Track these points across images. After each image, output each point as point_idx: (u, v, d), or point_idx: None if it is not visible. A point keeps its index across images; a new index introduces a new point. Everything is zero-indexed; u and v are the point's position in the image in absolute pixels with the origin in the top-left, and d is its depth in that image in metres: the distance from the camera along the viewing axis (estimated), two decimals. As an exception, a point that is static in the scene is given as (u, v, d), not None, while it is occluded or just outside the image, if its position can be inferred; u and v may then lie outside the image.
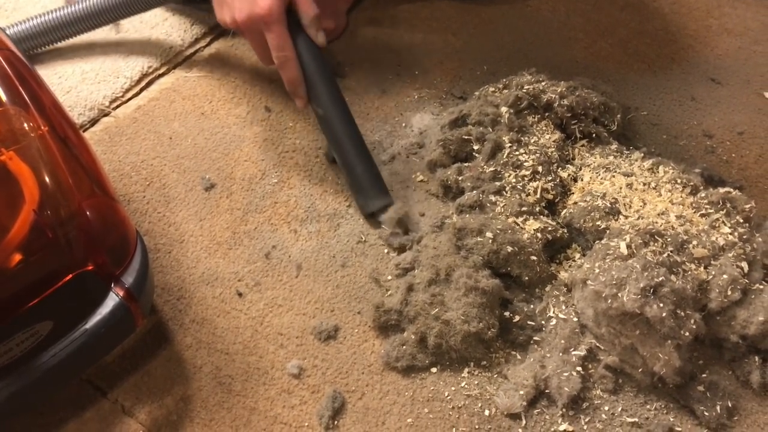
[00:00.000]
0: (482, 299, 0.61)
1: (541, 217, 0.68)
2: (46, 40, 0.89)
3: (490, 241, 0.64)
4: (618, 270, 0.59)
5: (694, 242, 0.62)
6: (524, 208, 0.67)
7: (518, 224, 0.66)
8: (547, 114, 0.76)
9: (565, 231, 0.68)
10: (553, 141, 0.74)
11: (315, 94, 0.73)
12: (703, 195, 0.67)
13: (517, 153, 0.72)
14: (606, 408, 0.60)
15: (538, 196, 0.69)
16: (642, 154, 0.74)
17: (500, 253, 0.64)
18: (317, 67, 0.73)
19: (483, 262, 0.64)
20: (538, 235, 0.66)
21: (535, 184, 0.70)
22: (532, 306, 0.65)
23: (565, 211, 0.69)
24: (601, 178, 0.71)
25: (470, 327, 0.60)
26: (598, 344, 0.62)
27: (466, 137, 0.76)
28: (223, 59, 0.93)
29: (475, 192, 0.70)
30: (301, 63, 0.72)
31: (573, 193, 0.71)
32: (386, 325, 0.64)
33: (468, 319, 0.60)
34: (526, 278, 0.65)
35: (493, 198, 0.69)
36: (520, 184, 0.70)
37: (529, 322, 0.64)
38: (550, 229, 0.66)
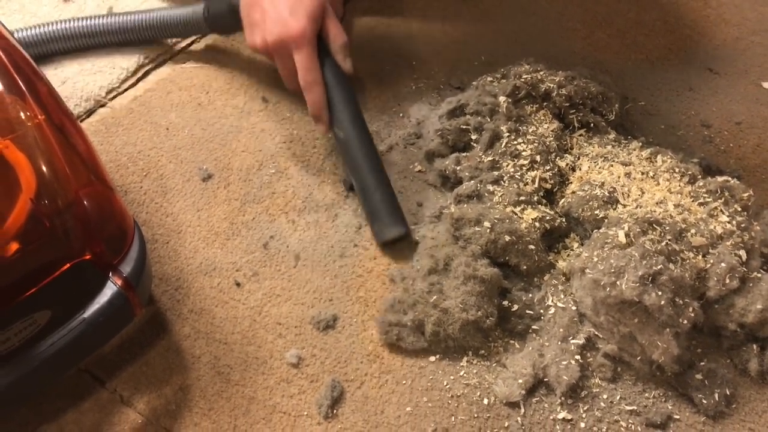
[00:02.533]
0: (481, 288, 0.61)
1: (539, 206, 0.68)
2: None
3: (488, 230, 0.64)
4: (616, 258, 0.59)
5: (693, 231, 0.62)
6: (522, 198, 0.67)
7: (516, 214, 0.66)
8: (545, 103, 0.76)
9: (563, 220, 0.68)
10: (552, 130, 0.74)
11: (337, 118, 0.72)
12: (701, 184, 0.67)
13: (515, 142, 0.72)
14: (605, 396, 0.60)
15: (536, 185, 0.69)
16: (640, 144, 0.74)
17: (498, 243, 0.64)
18: (342, 91, 0.72)
19: (481, 251, 0.64)
20: (536, 224, 0.66)
21: (533, 173, 0.70)
22: (530, 295, 0.65)
23: (563, 200, 0.69)
24: (600, 168, 0.71)
25: (468, 315, 0.60)
26: (596, 333, 0.62)
27: (464, 127, 0.75)
28: (220, 50, 0.92)
29: (473, 182, 0.70)
30: (326, 87, 0.72)
31: (571, 183, 0.71)
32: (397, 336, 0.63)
33: (466, 308, 0.60)
34: (525, 267, 0.65)
35: (491, 187, 0.69)
36: (518, 173, 0.70)
37: (527, 311, 0.64)
38: (548, 218, 0.66)
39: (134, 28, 0.87)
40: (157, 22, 0.86)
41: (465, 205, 0.68)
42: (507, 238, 0.64)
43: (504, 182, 0.69)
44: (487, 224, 0.64)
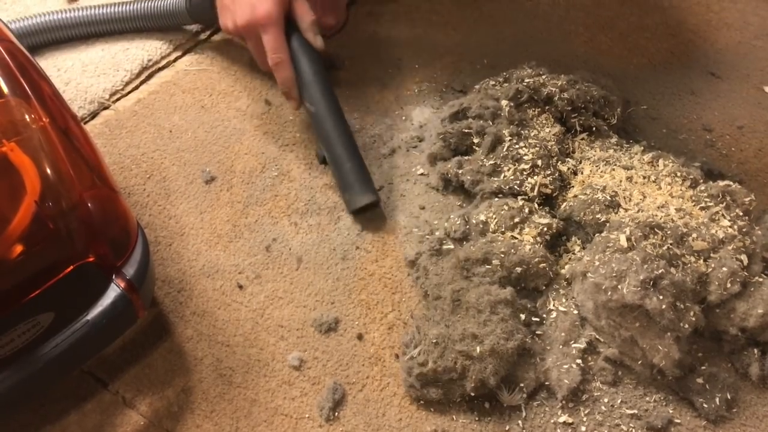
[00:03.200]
0: (507, 309, 0.60)
1: (533, 216, 0.67)
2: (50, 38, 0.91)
3: (499, 267, 0.63)
4: (618, 262, 0.59)
5: (694, 235, 0.62)
6: (516, 219, 0.66)
7: (516, 237, 0.65)
8: (547, 107, 0.76)
9: (561, 222, 0.68)
10: (553, 134, 0.74)
11: (308, 93, 0.75)
12: (702, 188, 0.68)
13: (517, 146, 0.72)
14: (605, 400, 0.60)
15: (535, 192, 0.69)
16: (642, 148, 0.75)
17: (511, 276, 0.63)
18: (311, 68, 0.75)
19: (498, 284, 0.63)
20: (538, 238, 0.65)
21: (532, 180, 0.69)
22: (534, 301, 0.65)
23: (565, 204, 0.69)
24: (601, 172, 0.71)
25: (511, 343, 0.59)
26: (598, 337, 0.62)
27: (466, 130, 0.75)
28: (223, 52, 0.92)
29: (459, 220, 0.69)
30: (296, 65, 0.75)
31: (573, 187, 0.71)
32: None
33: (509, 336, 0.59)
34: (544, 287, 0.65)
35: (483, 217, 0.67)
36: (518, 180, 0.69)
37: (533, 318, 0.63)
38: (545, 229, 0.66)
39: (118, 18, 0.90)
40: (140, 13, 0.90)
41: (469, 245, 0.66)
42: (518, 269, 0.63)
43: (491, 207, 0.68)
44: (495, 262, 0.64)
